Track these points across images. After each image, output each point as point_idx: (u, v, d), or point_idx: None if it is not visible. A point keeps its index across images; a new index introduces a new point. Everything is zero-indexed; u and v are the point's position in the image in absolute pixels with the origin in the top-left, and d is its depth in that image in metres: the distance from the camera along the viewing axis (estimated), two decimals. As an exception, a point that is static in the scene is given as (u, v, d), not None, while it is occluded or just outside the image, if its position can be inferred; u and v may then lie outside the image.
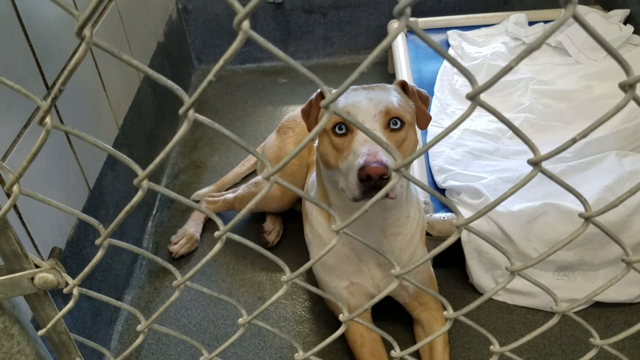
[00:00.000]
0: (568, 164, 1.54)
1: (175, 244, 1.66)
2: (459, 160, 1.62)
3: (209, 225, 1.75)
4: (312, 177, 1.37)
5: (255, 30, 2.52)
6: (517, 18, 2.19)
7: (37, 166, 1.13)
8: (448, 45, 2.17)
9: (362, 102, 1.03)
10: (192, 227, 1.71)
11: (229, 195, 1.75)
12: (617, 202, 0.45)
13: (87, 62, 1.41)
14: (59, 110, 1.23)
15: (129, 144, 1.63)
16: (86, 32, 0.37)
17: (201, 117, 0.43)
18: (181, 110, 0.41)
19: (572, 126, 1.75)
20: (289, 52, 2.54)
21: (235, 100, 2.34)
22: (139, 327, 0.59)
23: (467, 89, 1.98)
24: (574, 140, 0.40)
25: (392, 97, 1.06)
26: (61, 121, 1.24)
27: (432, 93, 1.90)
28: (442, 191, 1.57)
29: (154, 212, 1.81)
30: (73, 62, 0.38)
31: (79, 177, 1.32)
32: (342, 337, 1.34)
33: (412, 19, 2.30)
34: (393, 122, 1.03)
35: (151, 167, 0.44)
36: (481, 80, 1.95)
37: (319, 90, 1.15)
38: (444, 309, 0.60)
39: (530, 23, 2.20)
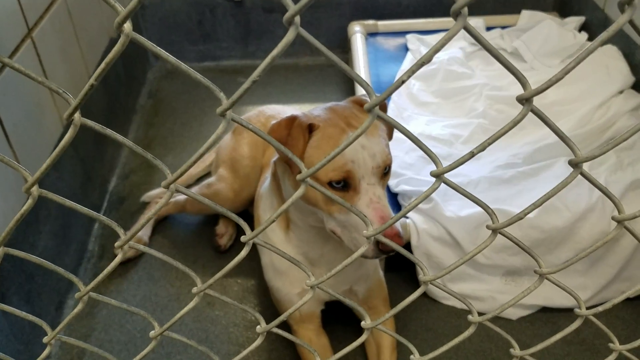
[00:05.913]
0: (517, 170, 1.56)
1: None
2: (412, 164, 1.62)
3: (159, 227, 1.71)
4: (264, 186, 1.32)
5: (214, 28, 2.43)
6: (475, 23, 2.21)
7: (-33, 166, 1.08)
8: (407, 49, 2.18)
9: (359, 158, 0.99)
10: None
11: (181, 197, 1.71)
12: (522, 214, 0.44)
13: (29, 55, 1.36)
14: (-5, 107, 1.19)
15: (74, 142, 1.57)
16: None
17: (90, 122, 0.40)
18: (65, 114, 0.39)
19: (524, 132, 1.76)
20: (249, 51, 2.51)
21: (193, 99, 2.30)
22: (45, 339, 0.57)
23: (424, 93, 1.99)
24: (472, 154, 0.39)
25: (382, 143, 1.04)
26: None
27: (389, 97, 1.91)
28: (395, 195, 1.57)
29: (102, 213, 1.76)
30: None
31: (18, 177, 1.27)
32: (293, 343, 1.32)
33: (371, 21, 2.30)
34: (385, 169, 1.04)
35: (38, 174, 0.41)
36: (437, 84, 1.97)
37: (296, 114, 1.04)
38: (368, 319, 0.60)
39: (488, 28, 2.22)
